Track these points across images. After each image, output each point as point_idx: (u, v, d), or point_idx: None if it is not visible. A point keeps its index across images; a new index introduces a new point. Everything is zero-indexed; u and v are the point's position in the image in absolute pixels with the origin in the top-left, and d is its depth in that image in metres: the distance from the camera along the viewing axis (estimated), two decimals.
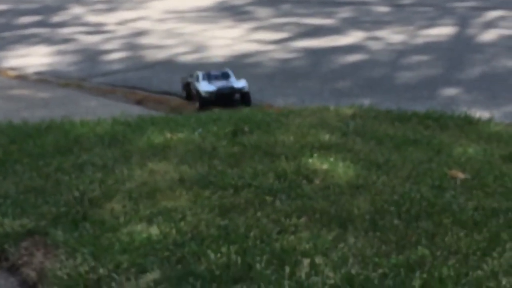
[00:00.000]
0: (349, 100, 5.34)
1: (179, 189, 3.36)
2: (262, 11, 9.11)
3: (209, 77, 5.54)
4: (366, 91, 5.93)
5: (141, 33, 8.24)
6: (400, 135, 4.27)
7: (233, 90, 5.50)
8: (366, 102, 5.22)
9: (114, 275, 2.65)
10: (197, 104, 5.46)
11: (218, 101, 5.40)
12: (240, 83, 5.51)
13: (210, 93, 5.40)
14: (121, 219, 3.06)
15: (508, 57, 6.43)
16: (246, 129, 4.30)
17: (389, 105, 5.15)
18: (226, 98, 5.48)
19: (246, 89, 5.50)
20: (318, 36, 7.64)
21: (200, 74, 5.57)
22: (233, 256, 2.71)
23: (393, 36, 7.45)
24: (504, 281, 2.59)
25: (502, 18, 7.97)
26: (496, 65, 6.32)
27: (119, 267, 2.70)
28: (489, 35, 7.21)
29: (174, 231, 2.92)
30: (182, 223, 3.00)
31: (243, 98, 5.55)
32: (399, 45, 7.17)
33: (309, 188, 3.39)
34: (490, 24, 7.66)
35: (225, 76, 5.62)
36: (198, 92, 5.47)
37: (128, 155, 3.86)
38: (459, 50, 6.87)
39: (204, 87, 5.42)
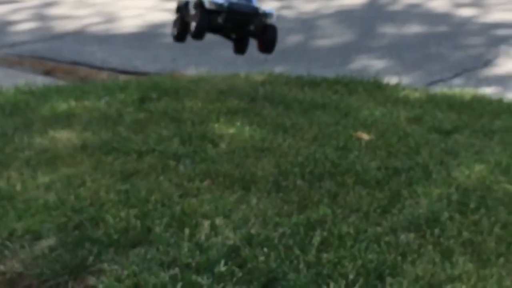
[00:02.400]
0: (263, 68, 5.30)
1: (80, 155, 3.28)
2: None
3: None
4: (279, 59, 5.90)
5: (50, 4, 8.02)
6: (308, 100, 4.26)
7: (252, 13, 3.67)
8: (279, 69, 5.20)
9: (8, 243, 2.56)
10: (192, 26, 3.76)
11: (225, 26, 3.75)
12: (266, 8, 3.74)
13: (218, 5, 3.62)
14: (18, 187, 2.96)
15: (417, 24, 6.52)
16: (154, 96, 4.23)
17: (301, 72, 5.14)
18: (239, 24, 3.75)
19: (273, 20, 3.73)
20: None
21: None
22: (133, 220, 2.66)
23: (306, 5, 7.46)
24: (402, 237, 2.61)
25: None
26: (406, 33, 6.40)
27: (13, 234, 2.61)
28: (400, 4, 7.29)
29: (72, 197, 2.84)
30: (81, 189, 2.92)
31: (265, 32, 3.75)
32: (312, 13, 7.19)
33: (214, 152, 3.35)
34: None
35: None
36: (200, 3, 3.72)
37: (30, 123, 3.75)
38: (371, 18, 6.92)
39: None
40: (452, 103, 4.24)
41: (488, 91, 4.84)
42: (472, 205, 2.83)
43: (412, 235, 2.63)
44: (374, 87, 4.61)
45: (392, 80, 4.80)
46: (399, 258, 2.45)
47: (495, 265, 2.42)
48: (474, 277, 2.33)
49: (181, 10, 4.04)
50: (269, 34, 3.71)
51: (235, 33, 3.81)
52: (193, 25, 3.72)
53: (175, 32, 4.07)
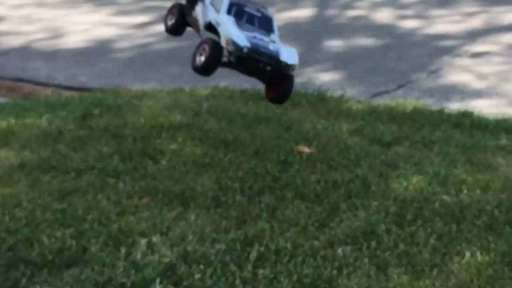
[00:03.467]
0: (209, 83, 5.30)
1: (17, 174, 3.23)
2: None
3: (239, 13, 3.07)
4: (226, 73, 5.87)
5: None
6: (252, 114, 4.27)
7: (273, 63, 3.01)
8: (226, 83, 5.20)
9: None
10: (198, 59, 3.03)
11: (237, 67, 3.11)
12: (288, 54, 3.01)
13: (238, 49, 2.91)
14: None
15: (363, 37, 6.58)
16: (96, 112, 4.20)
17: (247, 86, 5.15)
18: (253, 69, 3.08)
19: (293, 69, 3.06)
20: None
21: None
22: (68, 240, 2.63)
23: None
24: (339, 250, 2.63)
25: None
26: (351, 45, 6.46)
27: None
28: (345, 16, 7.36)
29: (7, 218, 2.80)
30: (17, 209, 2.88)
31: (281, 81, 3.13)
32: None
33: (155, 169, 3.34)
34: (347, 6, 7.82)
35: (265, 23, 3.12)
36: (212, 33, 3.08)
37: None
38: (317, 31, 6.97)
39: (232, 31, 2.94)
40: (394, 115, 4.28)
41: (430, 102, 4.89)
42: (409, 217, 2.86)
43: (349, 248, 2.64)
44: (318, 100, 4.63)
45: (337, 92, 4.84)
46: (335, 272, 2.46)
47: (428, 276, 2.45)
48: None
49: (183, 5, 3.42)
50: (286, 83, 3.13)
51: (247, 74, 3.23)
52: (199, 58, 3.04)
53: (169, 23, 3.51)
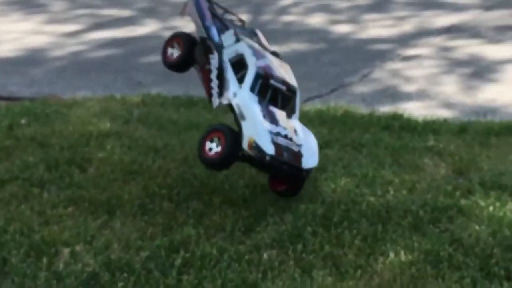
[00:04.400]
0: (143, 90, 5.26)
1: None
2: (56, 4, 8.83)
3: (263, 89, 2.91)
4: (160, 81, 5.87)
5: None
6: (183, 120, 4.25)
7: (293, 170, 2.89)
8: (159, 90, 5.16)
9: None
10: (215, 149, 2.79)
11: (254, 164, 2.96)
12: (309, 154, 2.95)
13: (260, 154, 2.76)
14: None
15: (296, 42, 6.61)
16: (23, 122, 4.12)
17: (181, 93, 5.12)
18: (271, 171, 2.98)
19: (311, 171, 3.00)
20: (114, 27, 7.50)
21: (250, 55, 2.94)
22: None
23: (188, 25, 7.46)
24: (265, 254, 2.62)
25: (294, 4, 8.19)
26: (285, 50, 6.47)
27: None
28: (279, 22, 7.39)
29: None
30: None
31: (295, 180, 3.01)
32: (194, 34, 7.18)
33: (81, 177, 3.29)
34: (281, 11, 7.85)
35: (289, 99, 3.03)
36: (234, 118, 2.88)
37: None
38: None
39: (259, 130, 2.76)
40: (325, 118, 4.31)
41: (363, 105, 4.94)
42: (335, 219, 2.88)
43: (274, 252, 2.64)
44: None
45: None
46: (260, 276, 2.45)
47: (353, 277, 2.46)
48: None
49: (194, 42, 3.19)
50: (299, 183, 3.03)
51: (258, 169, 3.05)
52: (213, 149, 2.78)
53: (173, 56, 3.20)
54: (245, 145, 2.74)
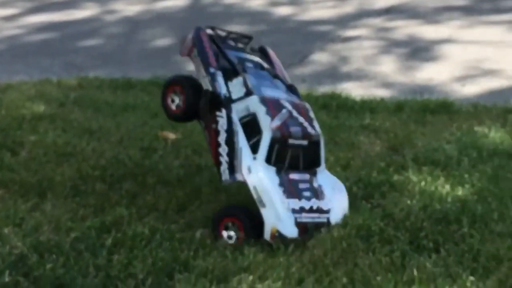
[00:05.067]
0: (81, 73, 5.19)
1: None
2: None
3: (281, 154, 2.63)
4: (99, 64, 5.80)
5: None
6: (119, 102, 4.21)
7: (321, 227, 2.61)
8: (98, 74, 5.10)
9: None
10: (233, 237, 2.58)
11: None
12: (338, 207, 2.71)
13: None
14: None
15: (237, 24, 6.56)
16: None
17: (121, 75, 5.06)
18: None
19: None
20: (52, 10, 7.38)
21: (264, 115, 2.62)
22: None
23: (128, 8, 7.37)
24: (197, 233, 2.61)
25: None
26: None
27: None
28: (221, 5, 7.35)
29: None
30: None
31: None
32: (135, 17, 7.11)
33: (13, 160, 3.23)
34: None
35: (312, 157, 2.74)
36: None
37: None
38: (193, 20, 6.91)
39: (281, 216, 2.54)
40: None
41: (303, 86, 4.94)
42: None
43: (207, 231, 2.63)
44: None
45: None
46: (192, 254, 2.44)
47: (284, 253, 2.46)
48: (263, 267, 2.35)
49: (198, 89, 2.73)
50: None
51: None
52: (231, 237, 2.58)
53: (176, 107, 2.78)
54: (267, 235, 2.51)
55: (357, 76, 5.17)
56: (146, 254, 2.40)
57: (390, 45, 5.76)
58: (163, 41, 6.39)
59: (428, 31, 5.96)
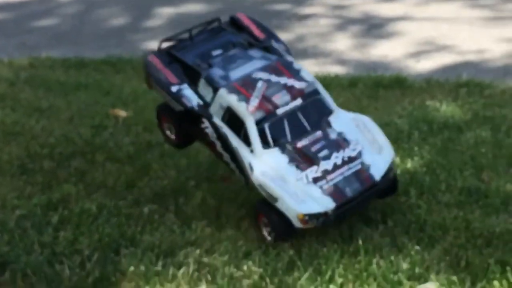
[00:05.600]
0: (35, 54, 5.11)
1: None
2: None
3: (275, 127, 2.45)
4: (53, 44, 5.71)
5: None
6: (71, 81, 4.15)
7: (369, 193, 2.42)
8: (53, 54, 5.03)
9: None
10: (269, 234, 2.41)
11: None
12: (376, 157, 2.45)
13: (322, 214, 2.33)
14: None
15: (194, 3, 6.53)
16: None
17: (75, 55, 5.00)
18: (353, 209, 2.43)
19: (393, 172, 2.50)
20: None
21: (237, 103, 2.44)
22: None
23: None
24: (145, 209, 2.59)
25: None
26: (182, 12, 6.41)
27: None
28: None
29: None
30: None
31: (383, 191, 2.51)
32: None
33: None
34: None
35: (316, 112, 2.54)
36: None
37: None
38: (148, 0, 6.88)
39: (300, 201, 2.34)
40: None
41: None
42: (220, 171, 2.86)
43: (155, 206, 2.61)
44: (138, 64, 4.56)
45: None
46: (139, 229, 2.42)
47: (232, 227, 2.45)
48: (210, 241, 2.34)
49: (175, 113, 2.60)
50: (392, 187, 2.54)
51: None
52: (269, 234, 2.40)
53: (175, 137, 2.71)
54: (297, 224, 2.31)
55: (313, 53, 5.16)
56: (93, 230, 2.39)
57: (346, 23, 5.76)
58: (118, 21, 6.32)
59: (383, 9, 5.96)
